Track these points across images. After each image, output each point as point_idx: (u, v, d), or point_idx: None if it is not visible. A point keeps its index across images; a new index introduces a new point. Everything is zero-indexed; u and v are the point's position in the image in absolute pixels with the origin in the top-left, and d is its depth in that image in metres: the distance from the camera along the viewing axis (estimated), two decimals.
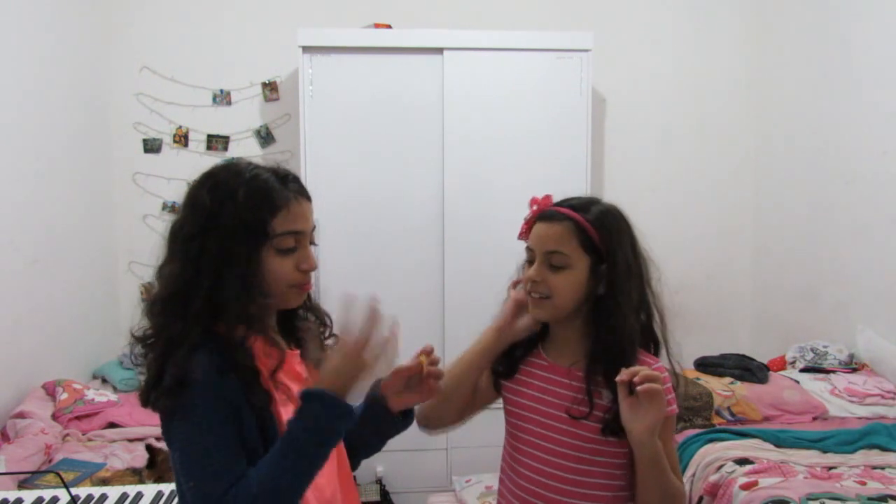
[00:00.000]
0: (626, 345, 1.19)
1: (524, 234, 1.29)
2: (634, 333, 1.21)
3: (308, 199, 1.11)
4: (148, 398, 1.02)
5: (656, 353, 1.27)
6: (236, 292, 1.02)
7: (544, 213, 1.26)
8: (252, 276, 1.04)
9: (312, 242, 1.12)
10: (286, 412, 1.06)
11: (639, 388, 1.07)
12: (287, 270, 1.07)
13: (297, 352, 1.17)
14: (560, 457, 1.23)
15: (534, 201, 1.29)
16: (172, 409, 1.00)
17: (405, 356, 1.14)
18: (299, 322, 1.20)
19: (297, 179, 1.11)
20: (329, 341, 1.22)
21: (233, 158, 1.14)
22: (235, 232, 1.02)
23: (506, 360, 1.32)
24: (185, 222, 1.05)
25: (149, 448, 2.04)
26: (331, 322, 1.22)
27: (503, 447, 1.36)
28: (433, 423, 1.33)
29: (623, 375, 1.10)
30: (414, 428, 1.29)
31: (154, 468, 1.95)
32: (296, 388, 1.08)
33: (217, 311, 1.03)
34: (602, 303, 1.21)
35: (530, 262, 1.26)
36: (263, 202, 1.04)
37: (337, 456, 1.17)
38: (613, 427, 1.17)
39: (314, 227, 1.13)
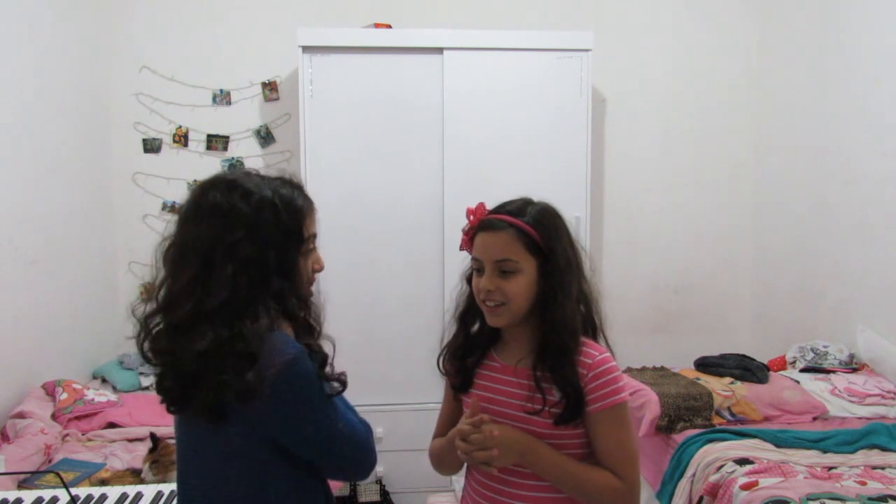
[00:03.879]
0: (570, 337, 1.24)
1: (466, 245, 1.31)
2: (577, 325, 1.26)
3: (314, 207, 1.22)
4: (243, 400, 1.02)
5: (594, 338, 1.31)
6: (296, 294, 1.12)
7: (484, 222, 1.28)
8: (300, 279, 1.15)
9: None
10: None
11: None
12: (308, 269, 1.18)
13: None
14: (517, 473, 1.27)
15: (470, 212, 1.30)
16: (301, 390, 1.06)
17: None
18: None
19: (300, 187, 1.20)
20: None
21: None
22: (283, 238, 1.11)
23: (461, 375, 1.35)
24: (221, 230, 1.07)
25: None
26: (319, 325, 1.23)
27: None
28: (444, 472, 1.44)
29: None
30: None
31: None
32: None
33: (287, 313, 1.11)
34: (545, 298, 1.25)
35: (478, 270, 1.28)
36: (296, 209, 1.14)
37: None
38: (565, 416, 1.22)
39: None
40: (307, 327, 1.15)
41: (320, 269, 1.20)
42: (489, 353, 1.35)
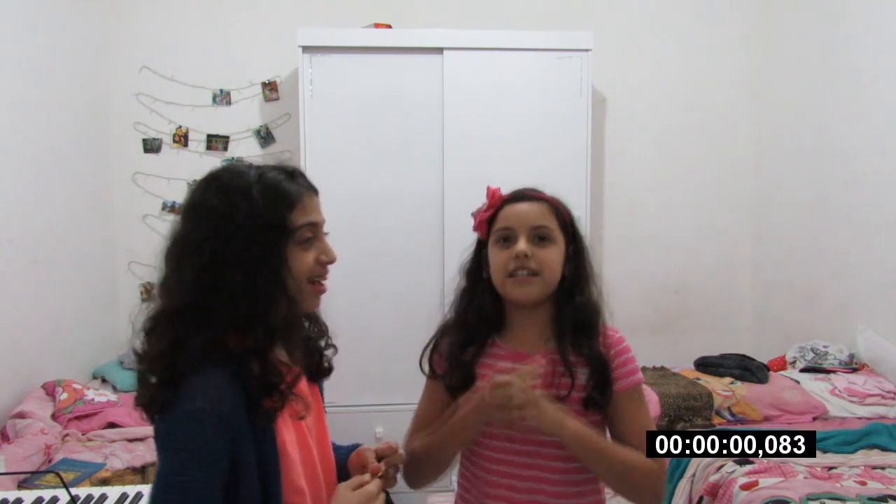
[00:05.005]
0: (595, 318, 1.23)
1: (483, 226, 1.27)
2: (598, 306, 1.26)
3: (316, 192, 1.10)
4: (150, 413, 0.98)
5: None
6: (263, 294, 0.98)
7: (516, 194, 1.27)
8: (277, 275, 1.00)
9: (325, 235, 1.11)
10: (287, 428, 1.02)
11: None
12: (308, 262, 1.05)
13: (299, 367, 1.12)
14: (543, 444, 1.20)
15: (493, 189, 1.28)
16: (170, 432, 0.94)
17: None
18: (302, 331, 1.16)
19: (303, 174, 1.10)
20: (328, 351, 1.20)
21: (232, 159, 1.11)
22: (255, 231, 0.98)
23: (459, 372, 1.25)
24: (191, 229, 1.00)
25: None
26: (328, 330, 1.20)
27: (462, 455, 1.31)
28: (416, 486, 1.30)
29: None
30: None
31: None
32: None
33: (235, 320, 0.97)
34: (567, 281, 1.24)
35: (505, 240, 1.23)
36: (279, 198, 1.01)
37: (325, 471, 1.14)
38: (595, 398, 1.18)
39: (324, 221, 1.11)
40: (265, 334, 0.99)
41: (329, 261, 1.08)
42: (492, 342, 1.27)
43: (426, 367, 1.32)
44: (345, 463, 1.19)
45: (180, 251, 1.00)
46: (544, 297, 1.23)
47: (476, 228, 1.29)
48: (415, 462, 1.25)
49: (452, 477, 3.27)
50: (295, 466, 1.02)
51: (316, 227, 1.08)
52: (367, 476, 1.08)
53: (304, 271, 1.05)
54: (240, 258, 0.97)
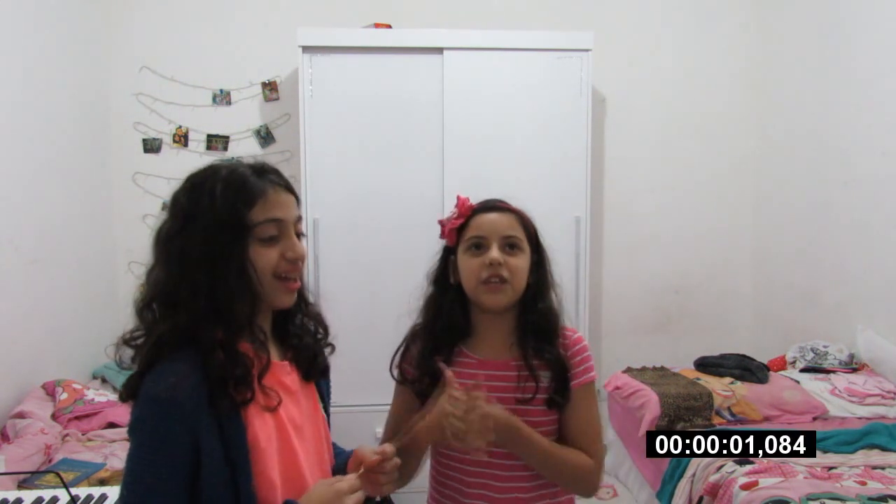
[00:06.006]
0: (556, 323, 1.30)
1: (452, 234, 1.31)
2: (558, 312, 1.32)
3: (289, 190, 1.09)
4: (123, 400, 1.02)
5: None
6: (224, 289, 1.00)
7: (487, 203, 1.32)
8: (237, 270, 1.01)
9: (299, 234, 1.10)
10: (261, 422, 1.02)
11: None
12: (271, 259, 1.05)
13: (287, 363, 1.13)
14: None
15: (462, 200, 1.33)
16: (135, 419, 0.98)
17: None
18: (294, 329, 1.16)
19: (276, 172, 1.10)
20: (327, 350, 1.20)
21: (232, 159, 1.12)
22: (213, 227, 1.01)
23: (428, 380, 1.28)
24: (165, 224, 1.05)
25: None
26: (327, 331, 1.20)
27: (431, 463, 1.36)
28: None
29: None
30: None
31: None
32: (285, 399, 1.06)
33: (199, 313, 1.00)
34: (532, 289, 1.29)
35: (476, 247, 1.27)
36: (238, 194, 1.03)
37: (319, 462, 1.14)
38: (556, 399, 1.26)
39: (299, 218, 1.11)
40: (232, 328, 1.02)
41: (295, 257, 1.06)
42: (459, 351, 1.32)
43: (395, 373, 1.37)
44: (344, 467, 1.18)
45: (156, 245, 1.05)
46: (512, 304, 1.29)
47: (445, 236, 1.34)
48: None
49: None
50: (268, 459, 1.01)
51: (281, 224, 1.06)
52: (350, 476, 1.08)
53: (268, 267, 1.05)
54: (201, 253, 1.00)
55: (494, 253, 1.24)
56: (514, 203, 1.35)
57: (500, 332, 1.30)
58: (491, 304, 1.27)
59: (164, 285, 1.02)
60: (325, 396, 1.22)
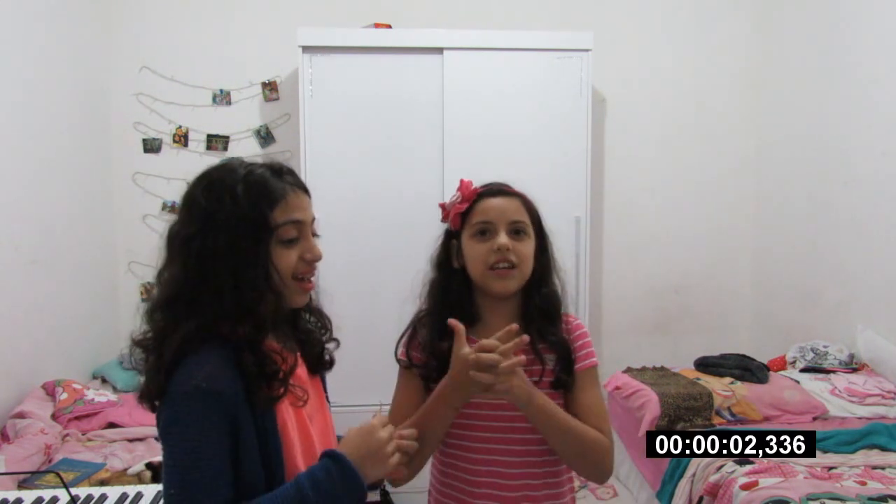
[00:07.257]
0: (559, 306, 1.31)
1: (457, 218, 1.29)
2: (560, 297, 1.33)
3: (305, 191, 1.10)
4: (150, 401, 1.01)
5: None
6: (249, 289, 1.00)
7: (493, 187, 1.30)
8: (262, 271, 1.02)
9: (314, 234, 1.12)
10: (289, 417, 1.05)
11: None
12: (292, 260, 1.06)
13: (298, 354, 1.15)
14: (520, 431, 1.25)
15: (466, 183, 1.31)
16: (172, 415, 0.96)
17: None
18: (301, 324, 1.18)
19: (292, 172, 1.11)
20: (330, 344, 1.22)
21: (230, 158, 1.12)
22: (237, 228, 1.01)
23: (436, 364, 1.26)
24: (182, 225, 1.04)
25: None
26: (330, 324, 1.22)
27: (433, 461, 1.36)
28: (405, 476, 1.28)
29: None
30: None
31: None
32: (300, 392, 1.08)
33: (223, 313, 1.00)
34: (537, 274, 1.29)
35: (482, 233, 1.26)
36: (262, 196, 1.03)
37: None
38: (562, 379, 1.25)
39: (314, 219, 1.12)
40: (257, 327, 1.02)
41: (314, 259, 1.08)
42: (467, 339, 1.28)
43: (402, 358, 1.34)
44: None
45: (172, 245, 1.04)
46: (519, 288, 1.28)
47: (449, 220, 1.32)
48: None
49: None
50: (294, 448, 1.04)
51: (301, 225, 1.08)
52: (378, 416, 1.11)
53: (288, 269, 1.06)
54: (224, 254, 1.00)
55: (503, 239, 1.23)
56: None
57: (504, 317, 1.28)
58: (500, 290, 1.26)
59: (182, 285, 1.01)
60: (325, 388, 1.25)
